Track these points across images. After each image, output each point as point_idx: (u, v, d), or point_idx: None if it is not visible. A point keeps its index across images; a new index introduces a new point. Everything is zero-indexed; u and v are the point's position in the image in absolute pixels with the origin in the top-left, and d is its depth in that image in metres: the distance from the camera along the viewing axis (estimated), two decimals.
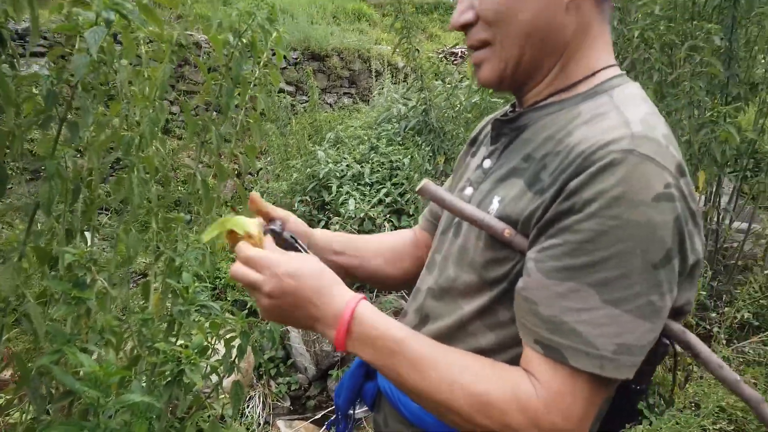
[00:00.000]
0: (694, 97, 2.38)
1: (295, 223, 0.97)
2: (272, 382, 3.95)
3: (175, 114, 5.86)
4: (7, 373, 2.06)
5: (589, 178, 0.64)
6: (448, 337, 0.79)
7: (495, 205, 0.76)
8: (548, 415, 0.64)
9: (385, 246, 1.08)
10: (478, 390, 0.67)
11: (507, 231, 0.72)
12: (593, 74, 0.77)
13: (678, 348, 0.74)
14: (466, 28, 0.79)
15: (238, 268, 0.77)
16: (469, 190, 0.85)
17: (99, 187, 1.34)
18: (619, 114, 0.69)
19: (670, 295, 0.66)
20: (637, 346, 0.64)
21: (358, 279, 1.05)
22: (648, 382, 0.76)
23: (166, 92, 1.25)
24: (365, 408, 1.03)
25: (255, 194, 0.87)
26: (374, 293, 3.87)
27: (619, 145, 0.64)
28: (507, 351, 0.75)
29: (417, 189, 0.81)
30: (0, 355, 1.17)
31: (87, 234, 1.32)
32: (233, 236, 0.82)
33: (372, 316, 0.73)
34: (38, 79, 1.10)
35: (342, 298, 0.74)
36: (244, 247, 0.78)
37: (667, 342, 0.72)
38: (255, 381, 3.82)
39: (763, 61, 2.90)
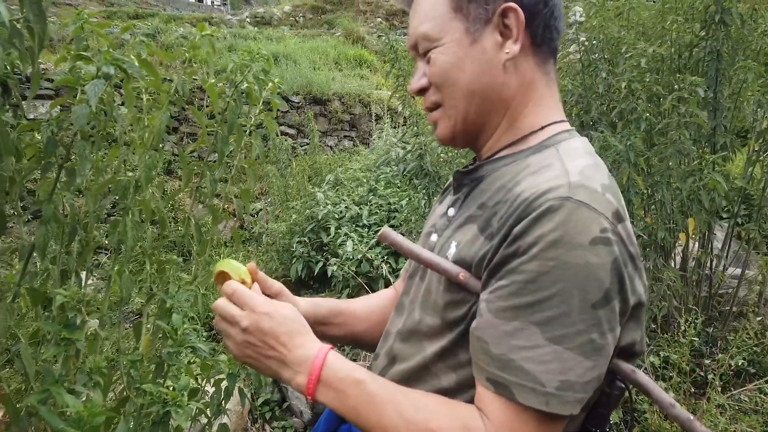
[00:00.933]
0: (681, 146, 2.44)
1: (287, 297, 1.00)
2: (267, 426, 3.90)
3: (177, 156, 5.97)
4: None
5: (530, 223, 0.69)
6: (413, 377, 0.82)
7: (452, 249, 0.81)
8: None
9: (369, 311, 1.11)
10: (431, 427, 0.70)
11: (462, 274, 0.77)
12: (541, 129, 0.84)
13: (632, 389, 0.76)
14: (422, 92, 0.87)
15: (221, 302, 0.82)
16: (434, 237, 0.90)
17: (95, 228, 1.38)
18: (561, 165, 0.75)
19: (612, 334, 0.70)
20: (580, 382, 0.68)
21: (343, 344, 1.09)
22: (605, 426, 0.78)
23: (165, 138, 1.30)
24: None
25: (252, 265, 0.90)
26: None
27: (557, 192, 0.69)
28: (468, 391, 0.78)
29: (378, 236, 0.86)
30: None
31: (82, 275, 1.35)
32: (224, 278, 0.87)
33: (339, 363, 0.77)
34: (39, 126, 1.15)
35: (313, 345, 0.78)
36: (232, 283, 0.83)
37: (621, 386, 0.74)
38: (249, 425, 3.77)
39: (749, 111, 2.98)
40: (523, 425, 0.68)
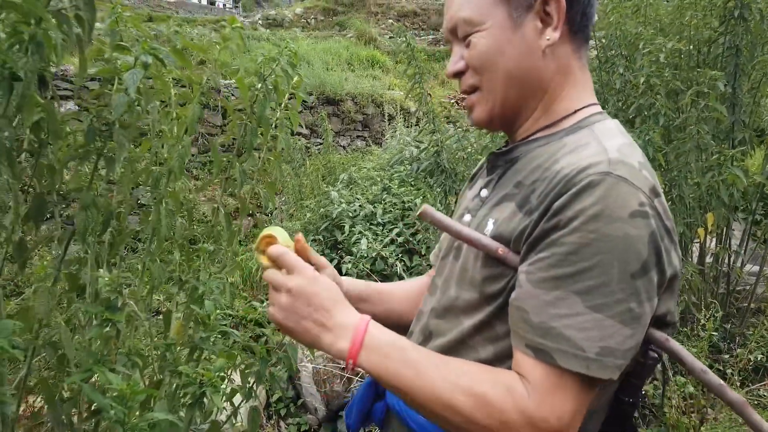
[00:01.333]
0: (700, 141, 2.44)
1: (330, 272, 1.01)
2: (282, 423, 3.93)
3: (193, 155, 6.02)
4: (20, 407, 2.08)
5: (571, 197, 0.71)
6: (450, 351, 0.84)
7: (490, 227, 0.83)
8: (540, 413, 0.70)
9: (408, 294, 1.13)
10: (477, 391, 0.72)
11: (500, 249, 0.79)
12: (575, 112, 0.86)
13: (665, 362, 0.78)
14: (458, 75, 0.89)
15: (270, 271, 0.83)
16: (467, 217, 0.92)
17: (127, 218, 1.41)
18: (598, 144, 0.77)
19: (649, 303, 0.72)
20: (620, 349, 0.70)
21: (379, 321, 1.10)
22: (638, 395, 0.80)
23: (196, 129, 1.33)
24: None
25: (300, 235, 0.92)
26: None
27: (597, 168, 0.72)
28: (505, 361, 0.80)
29: (417, 213, 0.88)
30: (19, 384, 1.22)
31: (113, 267, 1.38)
32: (269, 242, 0.87)
33: (381, 330, 0.79)
34: (78, 117, 1.19)
35: (354, 314, 0.80)
36: (279, 247, 0.84)
37: (655, 355, 0.76)
38: (265, 421, 3.80)
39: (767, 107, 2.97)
40: (563, 388, 0.70)
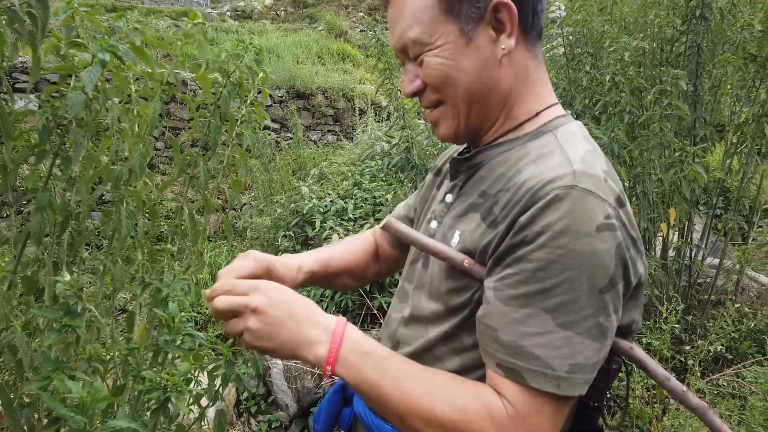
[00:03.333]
0: (663, 138, 2.49)
1: (275, 265, 0.99)
2: (252, 420, 3.90)
3: (159, 150, 5.90)
4: None
5: (537, 212, 0.71)
6: (417, 360, 0.83)
7: (456, 239, 0.82)
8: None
9: (351, 264, 1.15)
10: (455, 406, 0.71)
11: (466, 261, 0.79)
12: (536, 115, 0.85)
13: (632, 366, 0.79)
14: (417, 95, 0.87)
15: (221, 300, 0.78)
16: (434, 224, 0.92)
17: (86, 220, 1.37)
18: (562, 153, 0.77)
19: (616, 316, 0.72)
20: (588, 364, 0.70)
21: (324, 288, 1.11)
22: (603, 399, 0.81)
23: (155, 128, 1.30)
24: None
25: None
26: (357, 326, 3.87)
27: (562, 181, 0.71)
28: (471, 372, 0.80)
29: (381, 225, 0.87)
30: None
31: (74, 268, 1.34)
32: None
33: (359, 336, 0.77)
34: (31, 114, 1.14)
35: (327, 317, 0.78)
36: (225, 282, 0.81)
37: (619, 360, 0.77)
38: (235, 419, 3.76)
39: (727, 105, 3.05)
40: (539, 408, 0.70)
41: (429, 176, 1.08)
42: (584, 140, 0.81)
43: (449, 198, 0.91)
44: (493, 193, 0.81)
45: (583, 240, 0.68)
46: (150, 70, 1.25)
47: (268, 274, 0.95)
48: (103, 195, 1.40)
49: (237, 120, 1.60)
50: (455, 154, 0.95)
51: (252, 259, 0.93)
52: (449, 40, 0.80)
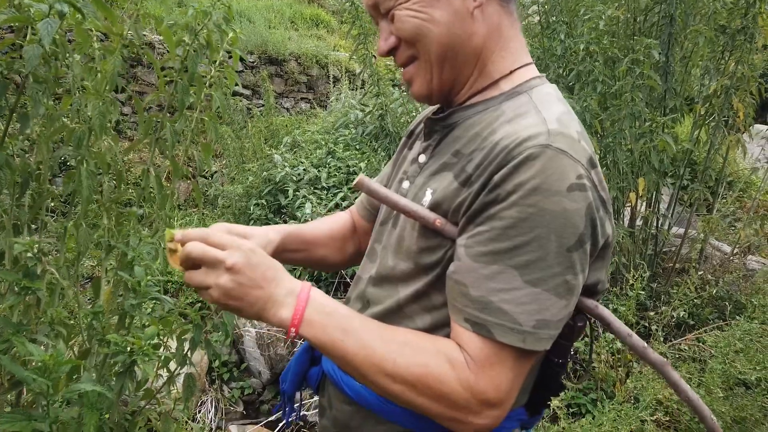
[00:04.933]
0: (635, 108, 2.51)
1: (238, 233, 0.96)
2: (225, 387, 3.91)
3: (126, 115, 5.74)
4: None
5: (510, 170, 0.71)
6: (387, 319, 0.84)
7: (428, 197, 0.82)
8: (479, 385, 0.71)
9: (328, 236, 1.12)
10: (418, 361, 0.72)
11: (438, 221, 0.79)
12: (510, 73, 0.84)
13: (596, 325, 0.81)
14: (392, 52, 0.86)
15: (197, 246, 0.74)
16: (406, 184, 0.91)
17: (47, 181, 1.33)
18: (537, 113, 0.76)
19: (583, 274, 0.74)
20: (554, 321, 0.72)
21: (300, 265, 1.09)
22: (567, 356, 0.83)
23: (117, 87, 1.25)
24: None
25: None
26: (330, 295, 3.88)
27: (537, 140, 0.71)
28: (441, 330, 0.80)
29: (354, 183, 0.86)
30: None
31: (35, 231, 1.30)
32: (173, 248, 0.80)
33: (322, 298, 0.77)
34: None
35: (294, 281, 0.77)
36: (200, 230, 0.78)
37: (584, 318, 0.79)
38: (207, 386, 3.77)
39: (696, 77, 3.09)
40: (502, 360, 0.71)
41: (402, 139, 1.07)
42: (559, 102, 0.81)
43: (422, 158, 0.90)
44: (468, 152, 0.80)
45: (553, 199, 0.69)
46: (110, 23, 1.20)
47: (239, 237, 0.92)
48: (66, 161, 1.36)
49: (206, 82, 1.55)
50: (429, 115, 0.94)
51: (216, 226, 0.90)
52: None
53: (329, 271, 1.11)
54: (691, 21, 2.82)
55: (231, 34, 1.56)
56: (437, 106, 0.95)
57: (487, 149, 0.76)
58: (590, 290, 0.81)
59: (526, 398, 0.88)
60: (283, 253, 1.02)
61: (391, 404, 0.83)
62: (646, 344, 0.79)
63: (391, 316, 0.85)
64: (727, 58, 2.96)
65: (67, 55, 1.17)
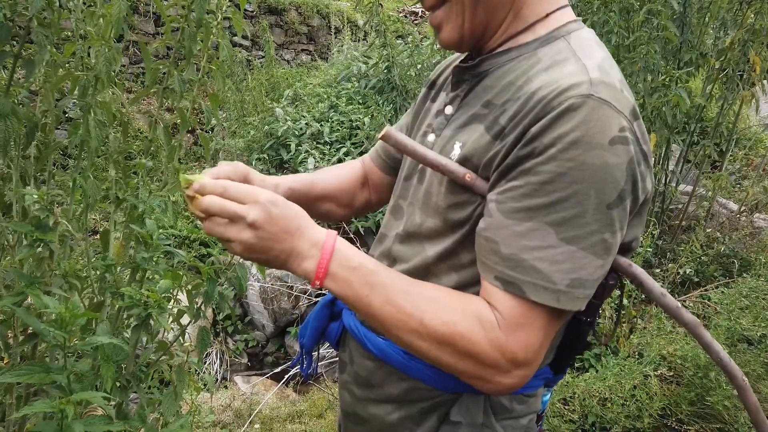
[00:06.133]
0: (650, 60, 2.45)
1: (258, 181, 0.94)
2: (229, 340, 3.96)
3: (125, 66, 5.61)
4: None
5: (549, 122, 0.67)
6: (413, 277, 0.80)
7: (456, 150, 0.78)
8: (509, 345, 0.69)
9: (337, 189, 1.09)
10: (446, 319, 0.71)
11: (468, 175, 0.75)
12: (546, 16, 0.79)
13: (627, 283, 0.79)
14: None
15: (215, 200, 0.72)
16: (431, 137, 0.87)
17: (53, 131, 1.29)
18: (576, 60, 0.72)
19: (621, 232, 0.71)
20: (590, 280, 0.69)
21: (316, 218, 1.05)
22: (596, 314, 0.81)
23: (124, 30, 1.20)
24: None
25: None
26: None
27: (578, 90, 0.67)
28: (468, 289, 0.78)
29: (380, 135, 0.82)
30: None
31: (42, 183, 1.27)
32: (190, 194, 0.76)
33: (348, 249, 0.74)
34: None
35: (319, 232, 0.74)
36: (218, 181, 0.74)
37: (616, 276, 0.77)
38: (212, 338, 3.82)
39: (712, 30, 3.00)
40: (533, 320, 0.69)
41: (422, 90, 1.02)
42: (599, 47, 0.76)
43: (449, 110, 0.86)
44: (500, 103, 0.76)
45: (595, 152, 0.65)
46: None
47: (244, 179, 0.89)
48: (66, 113, 1.31)
49: (212, 28, 1.49)
50: (457, 62, 0.89)
51: (227, 164, 0.87)
52: None
53: (334, 222, 1.09)
54: None
55: None
56: (464, 54, 0.90)
57: (523, 99, 0.72)
58: (626, 248, 0.78)
59: (552, 357, 0.87)
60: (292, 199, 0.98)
61: (415, 361, 0.82)
62: (679, 304, 0.77)
63: (418, 274, 0.82)
64: (745, 10, 2.86)
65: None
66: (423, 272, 0.82)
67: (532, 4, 0.79)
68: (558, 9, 0.80)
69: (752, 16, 2.69)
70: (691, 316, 0.77)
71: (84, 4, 1.32)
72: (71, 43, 1.27)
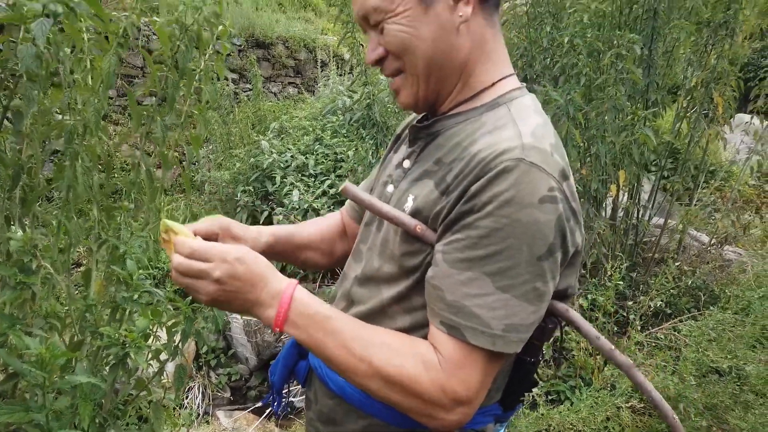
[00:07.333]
0: (617, 101, 2.56)
1: (235, 229, 1.01)
2: (212, 373, 3.94)
3: (112, 98, 5.68)
4: None
5: (486, 182, 0.75)
6: (370, 318, 0.89)
7: (409, 203, 0.86)
8: (450, 384, 0.76)
9: (318, 239, 1.16)
10: (395, 362, 0.78)
11: (418, 227, 0.83)
12: (492, 85, 0.88)
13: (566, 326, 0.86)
14: (380, 62, 0.89)
15: (183, 261, 0.80)
16: (390, 188, 0.95)
17: (39, 174, 1.34)
18: (514, 126, 0.81)
19: (553, 282, 0.79)
20: (524, 325, 0.77)
21: (294, 265, 1.13)
22: (539, 355, 0.88)
23: (114, 81, 1.26)
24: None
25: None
26: (317, 284, 3.93)
27: (512, 154, 0.75)
28: (421, 330, 0.85)
29: (340, 189, 0.90)
30: None
31: (16, 226, 1.32)
32: (169, 237, 0.85)
33: (306, 299, 0.81)
34: None
35: (281, 282, 0.81)
36: (186, 241, 0.82)
37: (555, 321, 0.84)
38: (195, 372, 3.80)
39: (680, 71, 3.14)
40: (472, 361, 0.76)
41: (389, 144, 1.11)
42: (536, 114, 0.85)
43: (407, 164, 0.94)
44: (448, 161, 0.84)
45: (526, 210, 0.73)
46: (104, 21, 1.21)
47: (225, 231, 0.98)
48: (52, 153, 1.37)
49: (195, 74, 1.57)
50: (414, 122, 0.97)
51: (209, 219, 0.95)
52: (408, 7, 0.82)
53: (316, 271, 1.15)
54: (674, 15, 2.87)
55: (221, 27, 1.57)
56: (419, 116, 0.99)
57: (466, 159, 0.80)
58: (561, 295, 0.86)
59: (500, 395, 0.93)
60: (271, 255, 1.06)
61: (371, 399, 0.88)
62: (613, 346, 0.84)
63: (374, 316, 0.89)
64: (709, 51, 3.01)
65: (61, 50, 1.19)
66: (379, 314, 0.89)
67: (479, 74, 0.88)
68: (503, 78, 0.89)
69: (714, 59, 2.84)
70: (624, 358, 0.84)
71: (71, 51, 1.38)
72: (59, 90, 1.34)
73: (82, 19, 1.23)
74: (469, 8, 0.83)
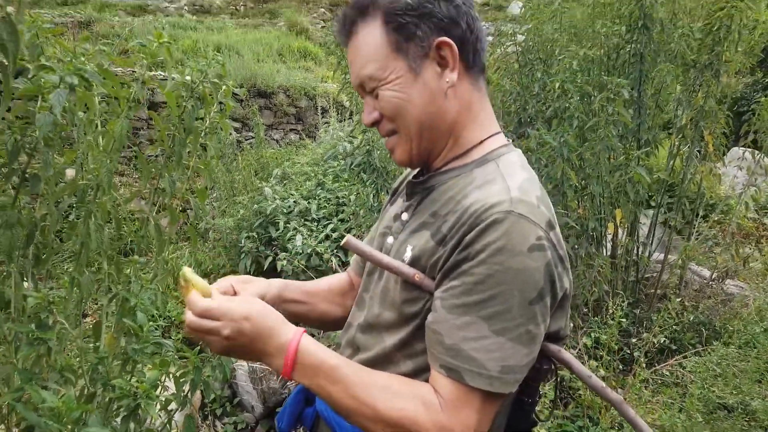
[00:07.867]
0: (609, 143, 2.64)
1: (250, 283, 1.08)
2: (218, 423, 3.91)
3: None
4: None
5: (479, 233, 0.81)
6: (375, 364, 0.94)
7: (408, 252, 0.93)
8: (450, 424, 0.80)
9: (327, 290, 1.22)
10: (396, 405, 0.82)
11: (417, 275, 0.89)
12: (481, 143, 0.96)
13: (560, 368, 0.90)
14: (375, 124, 0.97)
15: (194, 320, 0.87)
16: (390, 239, 1.02)
17: (52, 233, 1.40)
18: (502, 180, 0.88)
19: (544, 324, 0.84)
20: (518, 366, 0.82)
21: (301, 321, 1.18)
22: (536, 395, 0.93)
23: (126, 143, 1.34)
24: None
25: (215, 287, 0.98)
26: (321, 332, 3.94)
27: (501, 207, 0.82)
28: (423, 374, 0.90)
29: (342, 244, 0.96)
30: None
31: (29, 281, 1.37)
32: (186, 287, 0.92)
33: (312, 347, 0.86)
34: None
35: (287, 334, 0.87)
36: (197, 300, 0.88)
37: (549, 362, 0.88)
38: (200, 422, 3.78)
39: (670, 108, 3.23)
40: (470, 402, 0.81)
41: (387, 197, 1.18)
42: (522, 169, 0.92)
43: (405, 216, 1.01)
44: (443, 214, 0.91)
45: (517, 258, 0.79)
46: (116, 88, 1.29)
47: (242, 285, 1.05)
48: (66, 213, 1.43)
49: (201, 131, 1.65)
50: (410, 177, 1.04)
51: (229, 279, 1.04)
52: (400, 75, 0.90)
53: (331, 329, 1.19)
54: (661, 58, 2.98)
55: (224, 87, 1.66)
56: (415, 171, 1.06)
57: (460, 212, 0.86)
58: (553, 337, 0.91)
59: None
60: (283, 303, 1.11)
61: None
62: (604, 385, 0.88)
63: (379, 362, 0.94)
64: (697, 90, 3.11)
65: (76, 116, 1.26)
66: (383, 360, 0.94)
67: (468, 133, 0.96)
68: (490, 136, 0.97)
69: (702, 98, 2.93)
70: (616, 395, 0.88)
71: (84, 113, 1.46)
72: (72, 151, 1.41)
73: (95, 85, 1.32)
74: (454, 75, 0.91)
